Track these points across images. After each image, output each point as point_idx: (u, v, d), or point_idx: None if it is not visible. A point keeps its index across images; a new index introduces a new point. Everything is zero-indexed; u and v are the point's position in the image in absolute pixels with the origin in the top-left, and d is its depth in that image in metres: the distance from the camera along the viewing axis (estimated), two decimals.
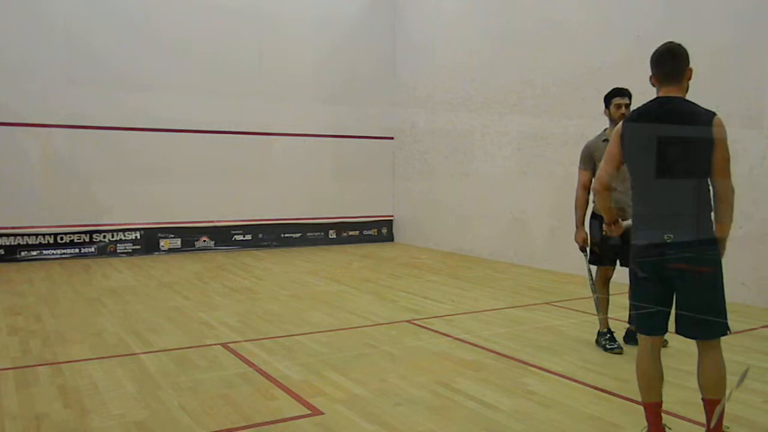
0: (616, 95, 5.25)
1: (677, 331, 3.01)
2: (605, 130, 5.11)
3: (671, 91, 2.96)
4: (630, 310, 3.13)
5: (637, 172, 3.01)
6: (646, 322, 3.04)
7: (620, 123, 3.05)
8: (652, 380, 3.04)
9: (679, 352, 4.81)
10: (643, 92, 7.68)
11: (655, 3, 7.46)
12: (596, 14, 8.13)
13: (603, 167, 3.09)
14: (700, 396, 2.96)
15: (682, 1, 7.16)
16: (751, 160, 6.50)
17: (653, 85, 3.06)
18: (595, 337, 5.03)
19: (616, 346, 4.83)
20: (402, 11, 11.88)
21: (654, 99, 3.01)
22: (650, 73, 3.06)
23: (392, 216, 12.35)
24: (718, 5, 6.80)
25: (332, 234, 11.70)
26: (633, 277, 3.04)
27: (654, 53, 3.08)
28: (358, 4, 11.70)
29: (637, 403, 3.68)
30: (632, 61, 7.68)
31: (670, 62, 2.99)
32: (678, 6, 7.17)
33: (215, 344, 4.95)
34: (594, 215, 4.94)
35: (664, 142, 2.89)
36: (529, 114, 9.20)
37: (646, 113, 3.00)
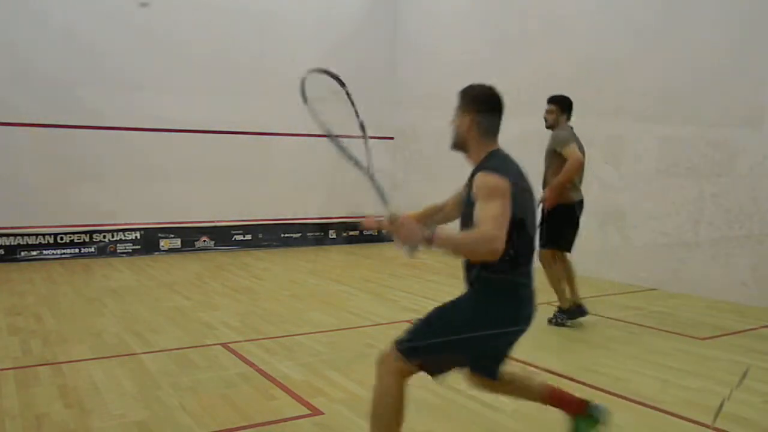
0: None
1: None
2: (558, 131, 5.65)
3: None
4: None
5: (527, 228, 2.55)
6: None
7: (503, 181, 2.41)
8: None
9: (679, 351, 4.82)
10: (644, 92, 7.73)
11: (655, 3, 7.46)
12: (596, 13, 8.13)
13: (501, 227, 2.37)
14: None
15: (682, 1, 7.16)
16: (751, 160, 6.50)
17: (478, 136, 2.58)
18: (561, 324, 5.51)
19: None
20: (402, 11, 11.88)
21: (502, 153, 2.59)
22: (479, 120, 2.56)
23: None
24: (719, 4, 6.80)
25: (332, 234, 11.69)
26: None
27: (488, 96, 2.59)
28: (358, 4, 11.69)
29: (637, 403, 3.69)
30: (632, 60, 7.70)
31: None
32: (678, 6, 7.17)
33: (215, 344, 4.95)
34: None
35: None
36: (528, 113, 9.20)
37: (519, 171, 2.58)
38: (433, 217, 2.95)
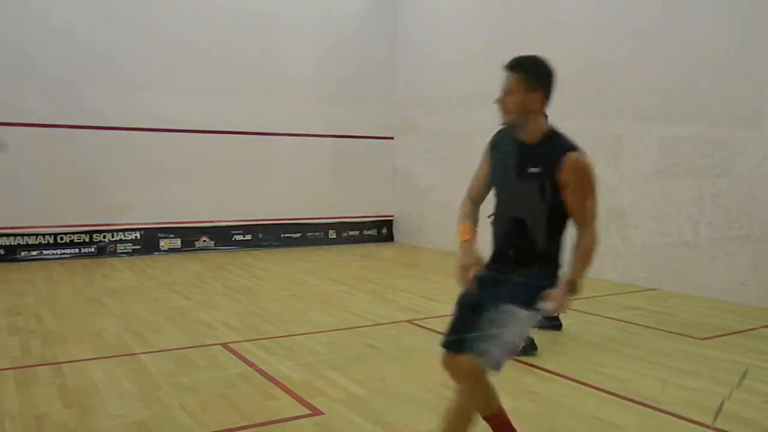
0: None
1: None
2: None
3: None
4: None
5: None
6: None
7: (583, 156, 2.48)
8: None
9: (679, 351, 4.82)
10: (644, 92, 7.71)
11: (655, 3, 7.45)
12: (596, 13, 8.13)
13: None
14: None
15: (682, 1, 7.15)
16: (751, 160, 6.50)
17: (544, 110, 2.61)
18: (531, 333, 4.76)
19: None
20: (402, 11, 11.87)
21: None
22: (546, 95, 2.61)
23: (392, 216, 12.34)
24: (719, 4, 6.80)
25: (332, 234, 11.69)
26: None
27: (552, 71, 2.63)
28: (358, 4, 11.69)
29: (638, 403, 3.69)
30: (632, 60, 7.70)
31: None
32: (678, 6, 7.17)
33: (215, 344, 4.94)
34: None
35: None
36: None
37: None
38: (476, 215, 2.93)
